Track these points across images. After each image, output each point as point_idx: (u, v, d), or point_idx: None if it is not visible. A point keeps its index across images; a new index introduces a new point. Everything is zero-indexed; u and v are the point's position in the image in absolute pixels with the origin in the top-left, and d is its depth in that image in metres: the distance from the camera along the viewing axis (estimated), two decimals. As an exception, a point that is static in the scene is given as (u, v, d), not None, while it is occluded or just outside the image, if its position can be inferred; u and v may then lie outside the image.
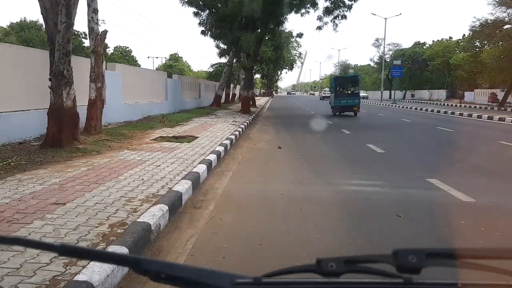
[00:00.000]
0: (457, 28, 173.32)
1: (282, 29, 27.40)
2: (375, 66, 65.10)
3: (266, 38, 24.11)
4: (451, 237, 3.55)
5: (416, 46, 56.17)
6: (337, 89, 20.97)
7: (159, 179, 5.13)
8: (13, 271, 2.47)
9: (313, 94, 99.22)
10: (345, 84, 22.07)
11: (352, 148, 9.82)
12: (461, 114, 22.19)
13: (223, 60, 30.20)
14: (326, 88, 54.73)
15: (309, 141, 10.97)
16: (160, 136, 9.54)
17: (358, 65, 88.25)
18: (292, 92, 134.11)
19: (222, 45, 25.67)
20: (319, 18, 20.12)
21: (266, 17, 18.44)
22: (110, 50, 54.78)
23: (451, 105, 34.84)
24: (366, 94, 50.76)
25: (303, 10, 19.79)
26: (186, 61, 77.27)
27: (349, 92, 21.31)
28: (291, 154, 8.49)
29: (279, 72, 60.61)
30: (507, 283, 0.67)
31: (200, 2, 19.60)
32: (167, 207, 3.91)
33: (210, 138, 9.74)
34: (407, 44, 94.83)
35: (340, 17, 19.79)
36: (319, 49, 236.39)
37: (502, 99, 30.97)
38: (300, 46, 55.81)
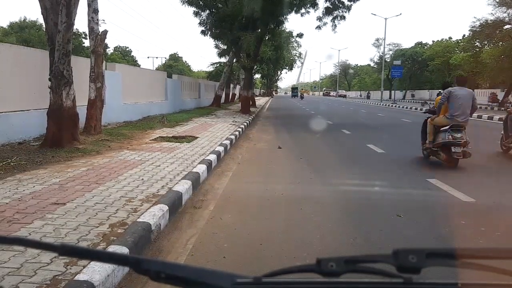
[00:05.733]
0: (457, 28, 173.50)
1: (282, 29, 27.42)
2: (375, 66, 65.15)
3: (266, 38, 24.08)
4: (451, 237, 3.55)
5: (417, 46, 56.15)
6: (292, 91, 74.64)
7: (159, 179, 5.13)
8: (14, 270, 2.47)
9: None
10: (295, 89, 74.83)
11: (352, 148, 9.82)
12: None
13: (223, 60, 30.20)
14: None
15: (309, 141, 10.97)
16: (160, 136, 9.54)
17: (358, 65, 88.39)
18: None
19: (222, 45, 25.66)
20: (319, 19, 20.15)
21: (266, 17, 18.42)
22: (110, 50, 54.85)
23: None
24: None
25: (303, 10, 19.78)
26: (186, 61, 77.34)
27: (294, 91, 72.74)
28: (291, 154, 8.49)
29: (279, 72, 60.60)
30: (507, 283, 0.67)
31: (200, 2, 19.57)
32: (167, 207, 3.91)
33: (210, 138, 9.74)
34: (407, 44, 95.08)
35: (339, 17, 19.81)
36: (319, 49, 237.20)
37: (502, 99, 30.97)
38: (300, 46, 55.91)
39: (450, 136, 6.69)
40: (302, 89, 72.47)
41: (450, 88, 7.26)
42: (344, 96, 77.37)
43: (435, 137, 7.13)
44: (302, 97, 55.67)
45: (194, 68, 76.99)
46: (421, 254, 0.62)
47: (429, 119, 7.57)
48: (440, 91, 7.46)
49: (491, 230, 3.78)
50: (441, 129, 6.97)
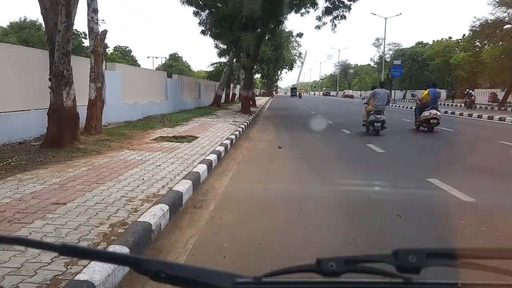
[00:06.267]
0: (457, 28, 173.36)
1: (282, 28, 27.42)
2: (375, 66, 65.11)
3: (266, 38, 24.09)
4: (451, 237, 3.55)
5: (417, 46, 56.11)
6: (291, 91, 79.31)
7: (160, 179, 5.13)
8: (14, 270, 2.47)
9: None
10: (294, 90, 78.74)
11: (352, 148, 9.83)
12: (461, 114, 22.21)
13: (223, 60, 30.21)
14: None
15: (309, 141, 10.98)
16: (160, 136, 9.54)
17: (358, 64, 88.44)
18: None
19: (222, 45, 25.66)
20: (319, 18, 20.14)
21: (266, 17, 18.42)
22: (110, 50, 54.84)
23: (446, 104, 34.89)
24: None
25: (303, 10, 19.77)
26: (186, 61, 77.35)
27: (293, 91, 76.64)
28: (292, 154, 8.49)
29: (279, 72, 60.61)
30: (507, 283, 0.67)
31: (200, 2, 19.56)
32: (167, 207, 3.91)
33: (210, 138, 9.74)
34: (407, 44, 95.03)
35: (339, 17, 19.80)
36: (319, 49, 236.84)
37: (502, 99, 30.98)
38: (300, 46, 55.93)
39: (374, 117, 11.44)
40: (300, 89, 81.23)
41: (375, 89, 12.30)
42: (351, 96, 67.07)
43: (367, 117, 11.84)
44: (300, 96, 65.99)
45: (194, 68, 76.94)
46: (421, 254, 0.62)
47: (365, 107, 12.46)
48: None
49: (491, 230, 3.78)
50: (370, 112, 11.68)
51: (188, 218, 4.09)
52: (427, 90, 13.06)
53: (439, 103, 13.12)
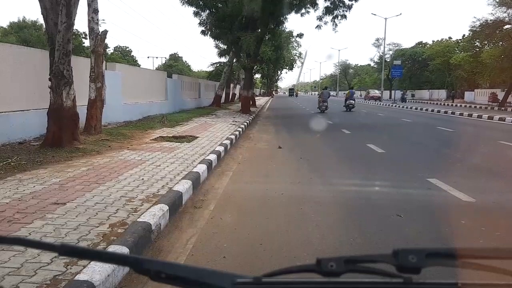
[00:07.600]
0: (457, 28, 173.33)
1: (282, 29, 27.41)
2: (375, 66, 65.15)
3: (266, 38, 24.06)
4: (451, 237, 3.55)
5: (417, 46, 56.12)
6: (289, 91, 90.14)
7: (159, 179, 5.13)
8: (14, 270, 2.47)
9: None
10: (291, 90, 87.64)
11: (352, 148, 9.82)
12: (461, 114, 22.20)
13: (223, 60, 30.21)
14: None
15: (309, 141, 10.97)
16: (160, 136, 9.54)
17: (358, 65, 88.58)
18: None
19: (222, 45, 25.66)
20: (319, 18, 20.13)
21: (266, 17, 18.42)
22: (110, 50, 54.74)
23: (446, 104, 34.87)
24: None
25: (303, 10, 19.76)
26: (186, 61, 77.26)
27: (292, 91, 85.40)
28: (291, 154, 8.49)
29: (279, 72, 60.55)
30: (507, 283, 0.67)
31: (200, 2, 19.56)
32: (167, 207, 3.91)
33: (210, 138, 9.74)
34: (407, 44, 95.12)
35: (340, 17, 19.79)
36: (319, 49, 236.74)
37: (502, 99, 30.97)
38: (300, 46, 55.86)
39: (322, 104, 22.70)
40: (296, 90, 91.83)
41: (323, 90, 24.45)
42: (378, 98, 47.84)
43: (319, 104, 23.06)
44: (296, 95, 79.52)
45: (194, 68, 76.78)
46: (421, 254, 0.62)
47: (318, 98, 24.59)
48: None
49: (491, 230, 3.78)
50: (320, 101, 23.06)
51: (188, 218, 4.09)
52: (348, 91, 26.46)
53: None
